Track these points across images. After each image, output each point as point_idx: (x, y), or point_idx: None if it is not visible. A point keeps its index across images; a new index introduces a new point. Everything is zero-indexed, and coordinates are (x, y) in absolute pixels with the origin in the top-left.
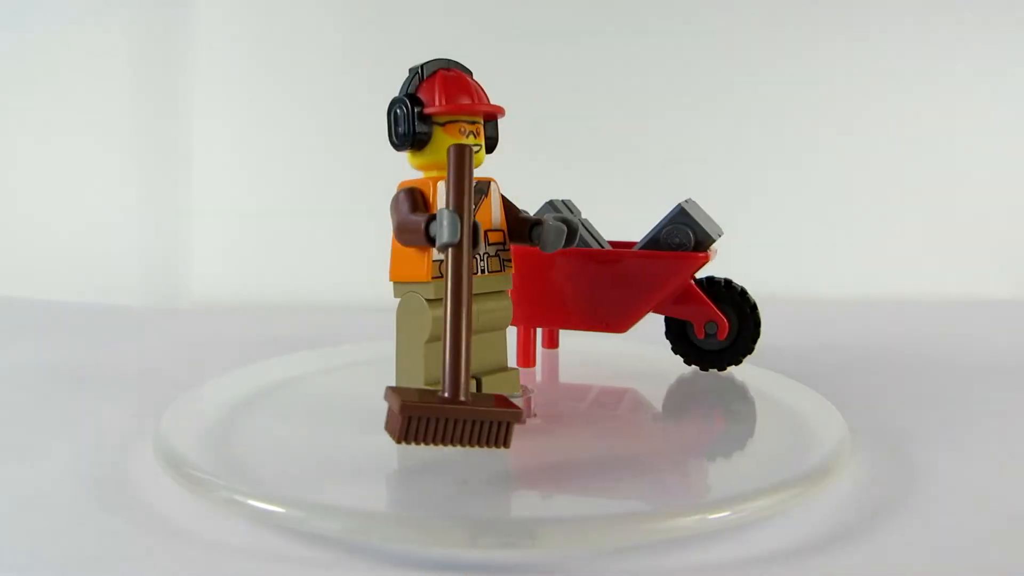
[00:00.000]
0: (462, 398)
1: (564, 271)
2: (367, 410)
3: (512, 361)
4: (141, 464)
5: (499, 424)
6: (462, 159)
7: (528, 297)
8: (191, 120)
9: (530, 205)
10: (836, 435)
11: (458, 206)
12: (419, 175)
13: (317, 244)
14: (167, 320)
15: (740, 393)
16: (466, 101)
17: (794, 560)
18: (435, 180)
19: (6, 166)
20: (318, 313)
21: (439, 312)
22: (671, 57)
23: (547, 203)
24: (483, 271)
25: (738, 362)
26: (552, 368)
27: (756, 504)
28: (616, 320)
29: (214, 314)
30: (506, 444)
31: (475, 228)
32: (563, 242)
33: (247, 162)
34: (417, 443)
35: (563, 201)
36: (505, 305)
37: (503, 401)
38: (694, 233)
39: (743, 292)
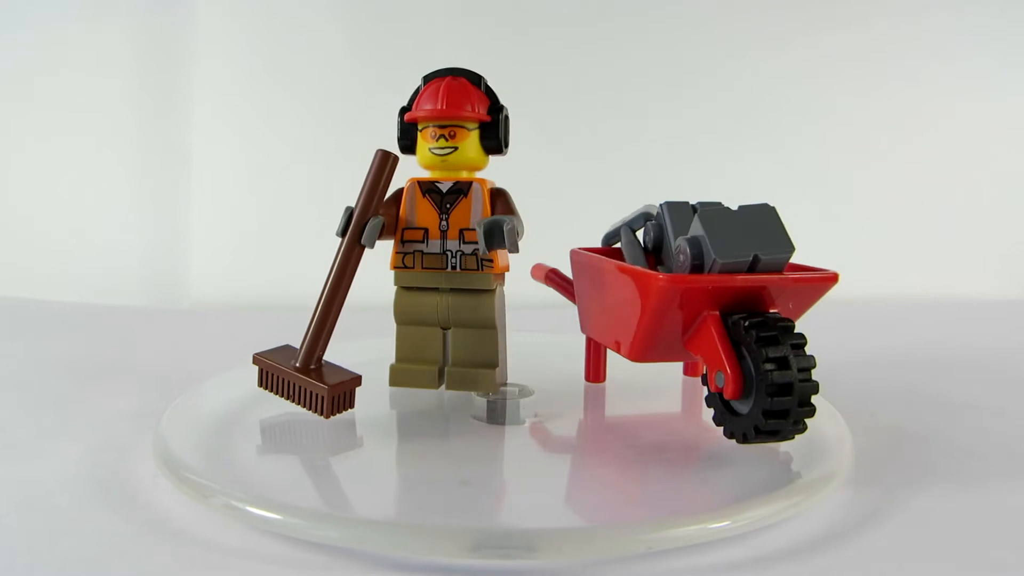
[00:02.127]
0: (312, 366)
1: (590, 281)
2: (367, 412)
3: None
4: (141, 465)
5: (316, 395)
6: (382, 164)
7: (583, 308)
8: (191, 120)
9: (625, 207)
10: (837, 438)
11: (362, 205)
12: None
13: (318, 245)
14: (167, 320)
15: None
16: (430, 107)
17: (795, 562)
18: (411, 180)
19: (6, 166)
20: None
21: (400, 298)
22: (697, 55)
23: (662, 205)
24: (454, 267)
25: (751, 440)
26: (691, 397)
27: (757, 513)
28: (624, 344)
29: (214, 314)
30: (323, 414)
31: (370, 226)
32: (491, 243)
33: (248, 163)
34: (271, 391)
35: (693, 205)
36: (484, 304)
37: (347, 380)
38: (695, 250)
39: (763, 340)
